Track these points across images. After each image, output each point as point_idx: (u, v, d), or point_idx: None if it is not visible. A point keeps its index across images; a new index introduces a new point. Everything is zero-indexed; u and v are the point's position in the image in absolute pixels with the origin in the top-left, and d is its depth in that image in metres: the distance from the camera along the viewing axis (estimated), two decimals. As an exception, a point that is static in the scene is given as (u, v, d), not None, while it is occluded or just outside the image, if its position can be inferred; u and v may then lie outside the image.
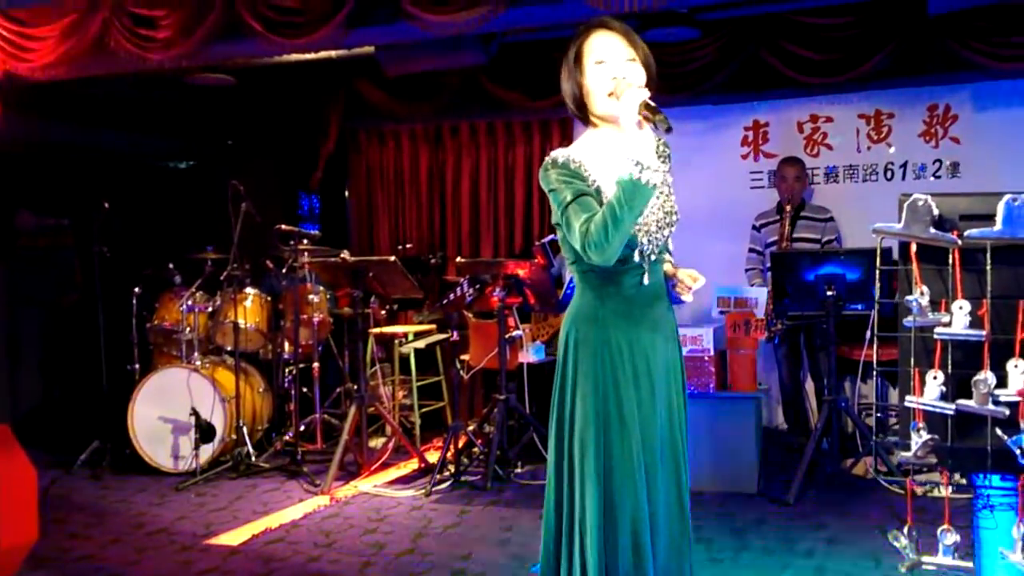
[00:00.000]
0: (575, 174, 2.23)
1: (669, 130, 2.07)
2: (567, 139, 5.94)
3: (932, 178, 5.77)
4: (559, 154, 2.27)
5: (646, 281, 2.29)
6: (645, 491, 2.25)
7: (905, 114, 5.80)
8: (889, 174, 5.85)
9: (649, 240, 2.27)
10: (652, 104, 2.11)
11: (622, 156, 2.11)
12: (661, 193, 2.31)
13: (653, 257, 2.29)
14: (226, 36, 4.57)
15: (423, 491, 4.74)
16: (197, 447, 5.18)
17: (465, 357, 5.66)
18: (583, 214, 2.17)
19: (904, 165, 5.84)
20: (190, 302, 5.53)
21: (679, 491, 2.34)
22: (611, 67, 2.24)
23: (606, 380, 2.27)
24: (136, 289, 5.73)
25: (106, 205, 5.74)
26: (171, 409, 5.33)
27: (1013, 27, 5.09)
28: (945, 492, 4.49)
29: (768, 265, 5.36)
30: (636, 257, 2.25)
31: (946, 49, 5.34)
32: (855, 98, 5.88)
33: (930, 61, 5.53)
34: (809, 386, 5.65)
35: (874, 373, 4.02)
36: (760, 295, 4.75)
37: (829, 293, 4.53)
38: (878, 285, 3.19)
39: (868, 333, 4.68)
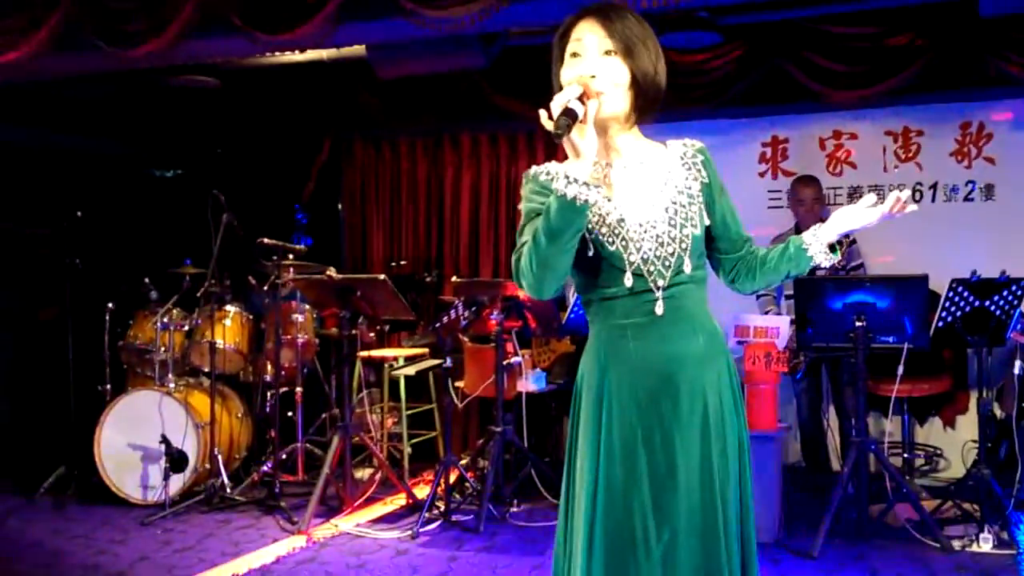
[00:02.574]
0: (542, 189, 1.86)
1: (558, 138, 1.73)
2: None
3: (964, 201, 5.39)
4: (539, 167, 1.93)
5: (659, 311, 1.88)
6: (653, 571, 1.85)
7: (936, 131, 5.41)
8: (918, 195, 5.45)
9: (646, 260, 1.88)
10: (571, 108, 1.71)
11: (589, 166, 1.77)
12: (674, 204, 1.93)
13: (663, 282, 1.88)
14: (203, 31, 4.20)
15: (409, 533, 4.33)
16: (167, 477, 4.78)
17: (460, 384, 5.26)
18: (524, 237, 1.84)
19: (934, 186, 5.45)
20: (165, 319, 5.15)
21: (719, 568, 1.89)
22: (584, 62, 1.87)
23: (609, 438, 1.90)
24: (110, 304, 5.36)
25: (79, 214, 5.40)
26: (141, 435, 4.94)
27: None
28: (984, 547, 4.10)
29: (786, 292, 4.97)
30: (628, 281, 1.87)
31: (982, 62, 4.97)
32: (882, 114, 5.49)
33: (964, 75, 5.14)
34: (831, 420, 5.24)
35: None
36: (783, 324, 4.34)
37: (859, 324, 4.13)
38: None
39: (900, 368, 4.29)
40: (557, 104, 1.72)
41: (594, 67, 1.85)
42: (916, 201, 5.46)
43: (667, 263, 1.89)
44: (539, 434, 5.29)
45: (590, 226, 1.88)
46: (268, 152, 6.78)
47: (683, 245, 1.90)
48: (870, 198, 2.00)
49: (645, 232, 1.90)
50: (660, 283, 1.89)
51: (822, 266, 2.01)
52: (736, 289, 2.10)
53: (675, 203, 1.93)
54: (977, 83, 5.18)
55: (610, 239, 1.89)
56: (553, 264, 1.79)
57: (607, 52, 1.87)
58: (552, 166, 1.89)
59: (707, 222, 1.97)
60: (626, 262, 1.88)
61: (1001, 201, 5.31)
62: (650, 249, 1.89)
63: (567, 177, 1.72)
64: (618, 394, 1.90)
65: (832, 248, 1.98)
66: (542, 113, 1.74)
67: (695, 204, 1.95)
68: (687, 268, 1.90)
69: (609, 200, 1.91)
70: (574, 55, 1.89)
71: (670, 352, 1.90)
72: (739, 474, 1.95)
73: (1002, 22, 4.71)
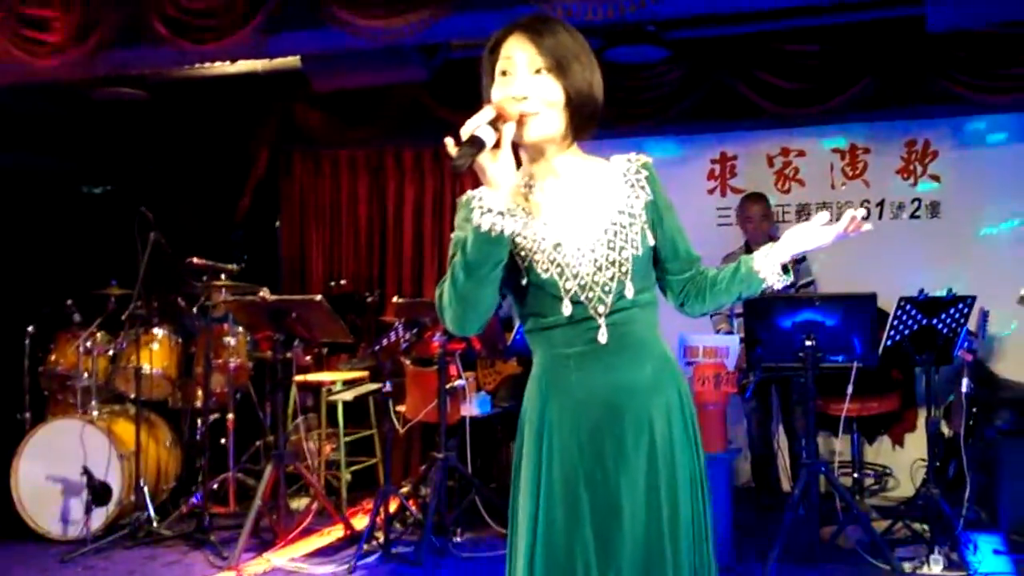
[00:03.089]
0: (470, 216, 1.72)
1: (457, 170, 1.61)
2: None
3: (910, 218, 5.37)
4: (473, 192, 1.77)
5: (602, 339, 1.76)
6: None
7: (882, 149, 5.41)
8: (865, 212, 5.41)
9: (584, 286, 1.76)
10: (477, 136, 1.60)
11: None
12: (614, 225, 1.80)
13: (605, 308, 1.76)
14: (127, 41, 3.99)
15: (346, 566, 4.11)
16: (88, 511, 4.51)
17: (401, 409, 5.06)
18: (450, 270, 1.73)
19: (881, 204, 5.44)
20: (89, 343, 4.88)
21: None
22: (515, 81, 1.73)
23: (550, 477, 1.78)
24: (30, 328, 5.08)
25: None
26: (61, 466, 4.67)
27: (999, 58, 4.73)
28: (935, 568, 4.05)
29: (736, 311, 4.89)
30: (566, 309, 1.75)
31: (926, 81, 4.98)
32: (828, 131, 5.47)
33: (909, 93, 5.14)
34: (781, 440, 5.17)
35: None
36: (732, 344, 4.24)
37: (808, 343, 4.05)
38: None
39: (850, 387, 4.22)
40: (466, 131, 1.60)
41: (524, 87, 1.73)
42: (863, 218, 5.45)
43: (607, 288, 1.77)
44: (485, 459, 5.12)
45: (524, 253, 1.77)
46: (203, 167, 6.53)
47: (623, 268, 1.78)
48: (822, 216, 1.93)
49: (583, 256, 1.78)
50: (601, 310, 1.77)
51: (774, 288, 1.91)
52: (685, 312, 1.99)
53: (615, 224, 1.81)
54: (922, 101, 5.19)
55: (544, 266, 1.77)
56: (473, 299, 1.68)
57: (538, 70, 1.74)
58: (484, 191, 1.73)
59: (651, 242, 1.85)
60: (562, 289, 1.76)
61: (947, 218, 5.30)
62: (588, 274, 1.77)
63: (482, 207, 1.62)
64: (559, 429, 1.79)
65: (784, 269, 1.90)
66: (448, 141, 1.60)
67: (637, 224, 1.83)
68: (629, 292, 1.78)
69: (545, 224, 1.79)
70: (504, 73, 1.76)
71: (615, 382, 1.78)
72: (692, 507, 1.82)
73: (947, 41, 4.72)
